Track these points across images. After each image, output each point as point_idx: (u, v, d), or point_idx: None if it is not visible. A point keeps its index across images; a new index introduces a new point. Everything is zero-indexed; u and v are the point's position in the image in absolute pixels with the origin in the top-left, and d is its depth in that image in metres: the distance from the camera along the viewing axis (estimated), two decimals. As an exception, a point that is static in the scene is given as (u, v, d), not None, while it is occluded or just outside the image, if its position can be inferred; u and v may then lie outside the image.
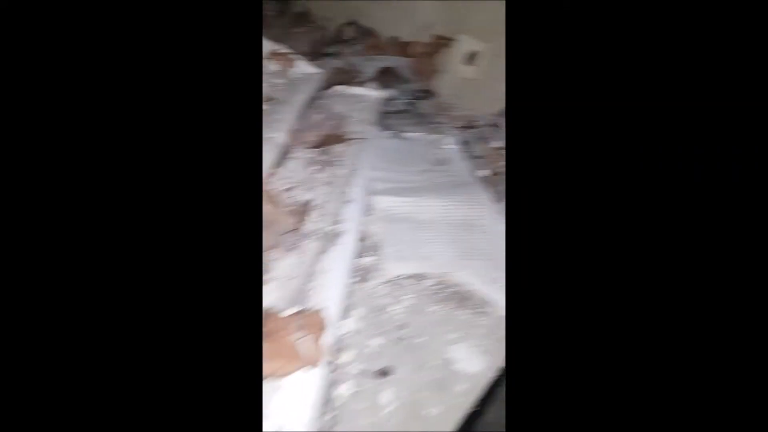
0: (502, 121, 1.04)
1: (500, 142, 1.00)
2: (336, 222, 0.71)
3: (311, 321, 0.49)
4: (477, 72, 1.10)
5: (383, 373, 0.53)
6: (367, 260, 0.70)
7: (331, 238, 0.68)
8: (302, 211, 0.69)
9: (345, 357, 0.55)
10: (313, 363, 0.47)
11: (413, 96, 1.14)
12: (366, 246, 0.72)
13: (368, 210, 0.77)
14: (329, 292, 0.57)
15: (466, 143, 0.99)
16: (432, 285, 0.67)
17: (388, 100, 1.11)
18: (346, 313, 0.59)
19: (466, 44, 1.10)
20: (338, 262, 0.62)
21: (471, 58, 1.10)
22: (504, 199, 0.84)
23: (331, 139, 0.88)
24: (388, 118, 1.11)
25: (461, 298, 0.65)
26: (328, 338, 0.50)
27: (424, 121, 1.11)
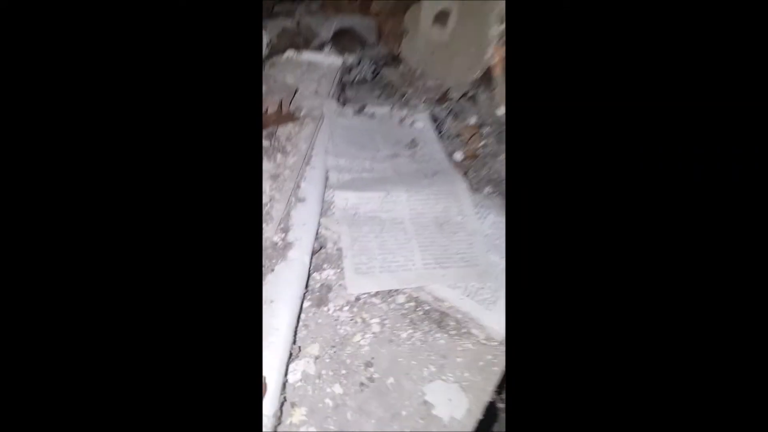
0: (479, 93, 0.91)
1: (476, 118, 0.87)
2: (284, 228, 0.57)
3: None
4: (448, 34, 0.95)
5: (344, 437, 0.42)
6: (323, 277, 0.57)
7: (279, 251, 0.54)
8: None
9: (294, 418, 0.43)
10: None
11: (377, 63, 0.98)
12: (323, 258, 0.59)
13: (326, 210, 0.64)
14: (273, 337, 0.44)
15: (438, 120, 0.86)
16: (403, 303, 0.56)
17: (348, 69, 0.95)
18: (296, 354, 0.47)
19: (434, 2, 0.94)
20: (287, 284, 0.49)
21: (441, 17, 0.94)
22: (482, 190, 0.73)
23: (279, 118, 0.72)
24: (348, 90, 0.95)
25: (438, 317, 0.55)
26: (268, 401, 0.38)
27: (390, 93, 0.96)
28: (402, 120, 0.85)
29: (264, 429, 0.37)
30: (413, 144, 0.78)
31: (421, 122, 0.83)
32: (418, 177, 0.70)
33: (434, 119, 0.85)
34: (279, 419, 0.41)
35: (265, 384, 0.37)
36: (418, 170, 0.72)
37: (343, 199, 0.64)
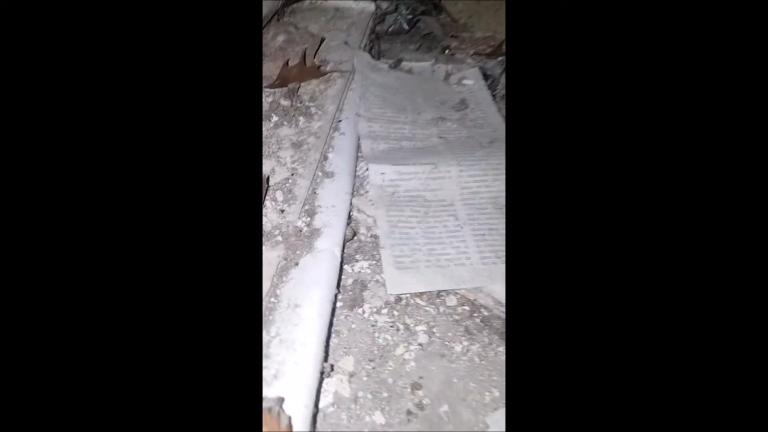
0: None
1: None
2: (309, 211, 0.46)
3: (266, 426, 0.26)
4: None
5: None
6: (356, 270, 0.47)
7: (303, 239, 0.44)
8: (255, 196, 0.44)
9: (326, 456, 0.34)
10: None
11: (415, 11, 0.83)
12: (355, 247, 0.48)
13: (358, 187, 0.52)
14: (299, 354, 0.34)
15: (490, 77, 0.72)
16: (455, 307, 0.45)
17: (382, 17, 0.80)
18: (327, 371, 0.38)
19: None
20: (314, 283, 0.39)
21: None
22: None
23: (301, 72, 0.60)
24: (382, 41, 0.81)
25: (500, 326, 0.44)
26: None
27: (430, 45, 0.81)
28: (447, 76, 0.71)
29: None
30: (462, 105, 0.64)
31: (471, 79, 0.69)
32: (471, 146, 0.57)
33: (486, 76, 0.71)
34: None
35: (288, 426, 0.28)
36: (471, 138, 0.59)
37: (378, 174, 0.52)
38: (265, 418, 0.27)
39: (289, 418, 0.28)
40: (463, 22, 0.87)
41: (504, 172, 0.54)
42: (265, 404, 0.28)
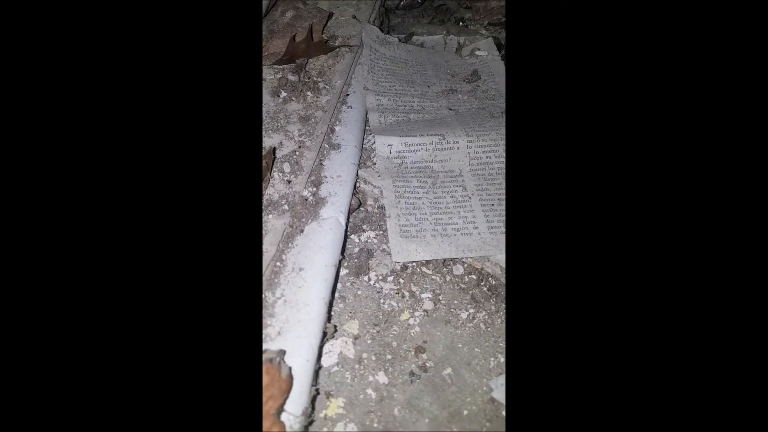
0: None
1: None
2: (315, 181, 0.47)
3: (267, 375, 0.28)
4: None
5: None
6: (363, 240, 0.47)
7: (309, 207, 0.44)
8: (264, 166, 0.45)
9: (330, 410, 0.35)
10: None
11: (428, -18, 0.80)
12: (362, 218, 0.49)
13: (365, 159, 0.52)
14: (302, 314, 0.35)
15: (503, 48, 0.69)
16: (462, 276, 0.45)
17: (392, -11, 0.79)
18: (331, 333, 0.39)
19: None
20: (318, 249, 0.40)
21: None
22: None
23: (309, 48, 0.60)
24: (392, 15, 0.79)
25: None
26: (295, 396, 0.30)
27: (443, 18, 0.79)
28: (459, 48, 0.70)
29: (290, 431, 0.29)
30: (474, 76, 0.63)
31: (484, 50, 0.67)
32: (481, 117, 0.56)
33: (500, 47, 0.68)
34: (311, 416, 0.33)
35: (290, 376, 0.29)
36: (482, 109, 0.58)
37: (385, 146, 0.52)
38: (266, 368, 0.28)
39: (290, 369, 0.29)
40: (477, -7, 0.84)
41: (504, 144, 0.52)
42: (267, 356, 0.29)
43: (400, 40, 0.70)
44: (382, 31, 0.69)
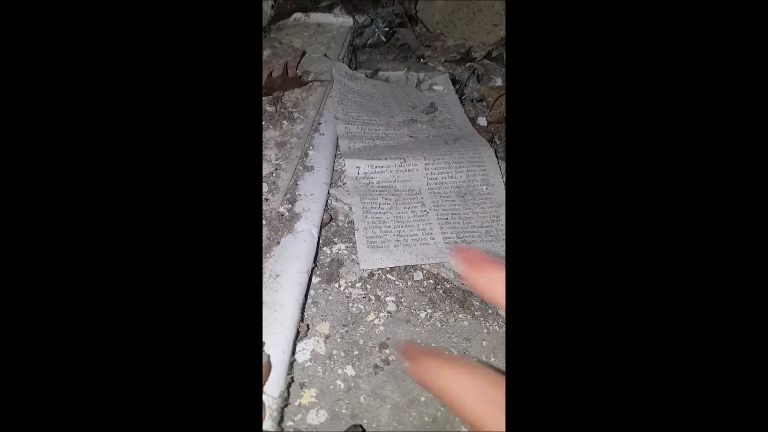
0: (504, 52, 0.83)
1: (502, 79, 0.80)
2: (291, 199, 0.53)
3: None
4: (471, -11, 0.87)
5: (357, 427, 0.38)
6: (334, 251, 0.53)
7: (285, 222, 0.50)
8: (242, 187, 0.50)
9: (304, 399, 0.40)
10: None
11: (391, 24, 0.90)
12: (333, 231, 0.55)
13: (336, 180, 0.59)
14: (278, 313, 0.40)
15: (459, 82, 0.79)
16: (421, 281, 0.51)
17: (359, 30, 0.88)
18: (304, 332, 0.43)
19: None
20: (293, 258, 0.45)
21: (464, -32, 0.86)
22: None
23: (284, 82, 0.67)
24: (359, 53, 0.88)
25: (461, 296, 0.50)
26: (273, 380, 0.35)
27: (405, 55, 0.89)
28: (419, 83, 0.78)
29: (269, 410, 0.33)
30: (432, 108, 0.71)
31: (441, 85, 0.76)
32: (437, 143, 0.64)
33: (455, 81, 0.78)
34: (286, 400, 0.37)
35: (269, 363, 0.34)
36: (438, 136, 0.66)
37: (354, 167, 0.59)
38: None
39: (269, 357, 0.34)
40: (438, 32, 0.95)
41: (465, 165, 0.60)
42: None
43: (366, 76, 0.78)
44: (350, 67, 0.77)
